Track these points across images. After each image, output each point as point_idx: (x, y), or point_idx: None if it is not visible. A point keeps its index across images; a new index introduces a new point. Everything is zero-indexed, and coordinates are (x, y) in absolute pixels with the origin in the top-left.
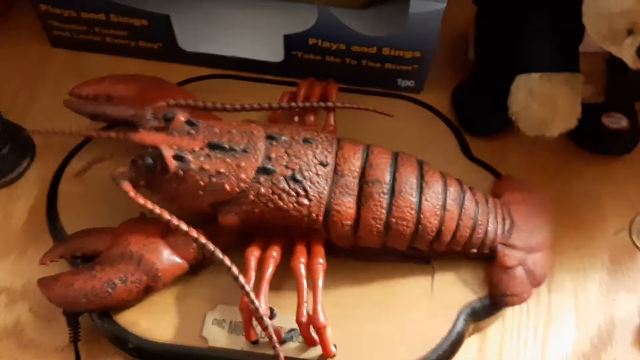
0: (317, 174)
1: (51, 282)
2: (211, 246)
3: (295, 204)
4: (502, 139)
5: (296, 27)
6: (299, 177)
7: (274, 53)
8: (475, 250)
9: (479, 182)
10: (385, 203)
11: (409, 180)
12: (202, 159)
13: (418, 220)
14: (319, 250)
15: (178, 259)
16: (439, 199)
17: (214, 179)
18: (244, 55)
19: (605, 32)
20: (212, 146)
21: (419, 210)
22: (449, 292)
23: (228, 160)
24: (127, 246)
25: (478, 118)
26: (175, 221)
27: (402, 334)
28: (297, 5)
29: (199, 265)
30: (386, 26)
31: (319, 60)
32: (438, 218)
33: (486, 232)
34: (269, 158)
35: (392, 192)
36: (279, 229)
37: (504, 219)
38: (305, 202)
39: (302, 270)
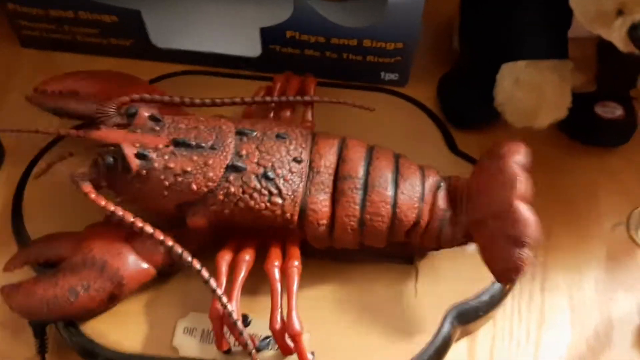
0: (291, 171)
1: (13, 290)
2: (179, 249)
3: (268, 204)
4: (490, 132)
5: (273, 20)
6: (271, 174)
7: (250, 47)
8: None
9: (465, 177)
10: (358, 199)
11: (384, 174)
12: (166, 157)
13: (394, 215)
14: (295, 252)
15: (144, 264)
16: (416, 191)
17: (179, 178)
18: (220, 50)
19: (593, 14)
20: (178, 143)
21: (395, 204)
22: (434, 293)
23: (195, 157)
24: (90, 252)
25: (464, 110)
26: (139, 223)
27: (384, 339)
28: None
29: (168, 270)
30: (367, 17)
31: (297, 54)
32: (416, 211)
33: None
34: (239, 155)
35: (366, 188)
36: (252, 230)
37: (461, 200)
38: (279, 201)
39: (276, 274)
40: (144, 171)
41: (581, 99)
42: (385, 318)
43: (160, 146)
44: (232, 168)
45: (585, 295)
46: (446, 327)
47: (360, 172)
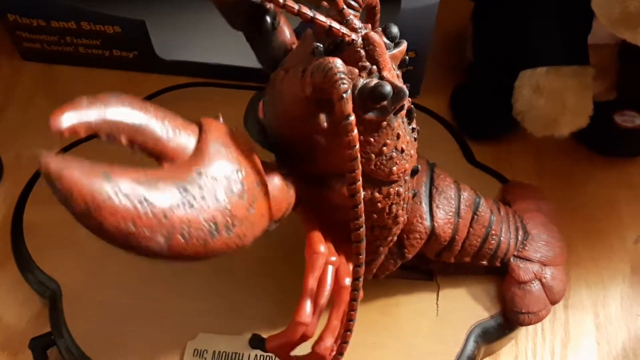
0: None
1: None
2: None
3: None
4: (505, 142)
5: None
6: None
7: None
8: (485, 263)
9: (484, 189)
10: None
11: (417, 188)
12: (399, 121)
13: (432, 230)
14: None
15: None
16: (452, 205)
17: (393, 153)
18: (227, 61)
19: (617, 15)
20: (409, 114)
21: (431, 219)
22: (457, 310)
23: (408, 139)
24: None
25: (479, 121)
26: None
27: (407, 359)
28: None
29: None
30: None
31: None
32: (451, 226)
33: (499, 243)
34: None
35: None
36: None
37: (517, 229)
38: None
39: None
40: (385, 123)
41: (599, 107)
42: (406, 337)
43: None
44: (414, 171)
45: (611, 312)
46: (470, 346)
47: None
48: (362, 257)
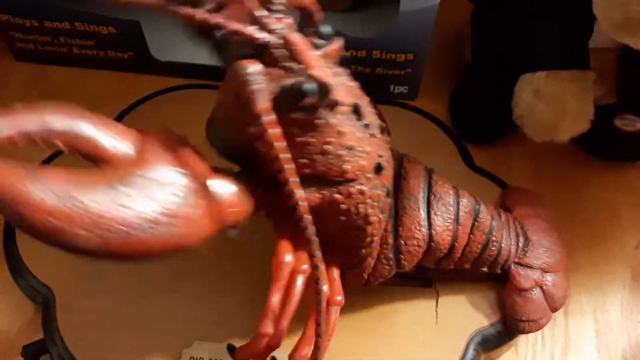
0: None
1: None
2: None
3: (377, 223)
4: (504, 146)
5: None
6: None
7: None
8: (485, 269)
9: (483, 194)
10: (389, 226)
11: (414, 194)
12: (340, 117)
13: (430, 238)
14: (338, 281)
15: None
16: (451, 212)
17: (341, 151)
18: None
19: (619, 21)
20: (356, 110)
21: (429, 226)
22: (456, 318)
23: (359, 135)
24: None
25: (478, 124)
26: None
27: None
28: None
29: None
30: (376, 28)
31: None
32: (450, 234)
33: (499, 249)
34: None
35: (397, 209)
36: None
37: (517, 235)
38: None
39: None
40: (323, 121)
41: (599, 111)
42: (405, 347)
43: (344, 101)
44: (377, 168)
45: (611, 318)
46: (470, 354)
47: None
48: (317, 258)
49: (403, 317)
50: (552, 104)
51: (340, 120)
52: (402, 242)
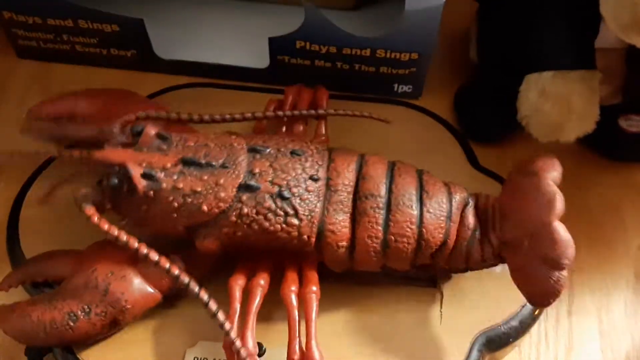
0: (308, 190)
1: (8, 312)
2: (186, 278)
3: (284, 225)
4: (509, 145)
5: (282, 30)
6: (286, 194)
7: (258, 58)
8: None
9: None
10: (381, 219)
11: (408, 192)
12: (175, 177)
13: (420, 235)
14: (312, 276)
15: (150, 289)
16: (443, 210)
17: (189, 199)
18: (226, 61)
19: (627, 20)
20: (186, 162)
21: (420, 224)
22: (460, 318)
23: (205, 177)
24: (93, 273)
25: (483, 124)
26: (144, 250)
27: None
28: (282, 7)
29: (175, 295)
30: (380, 27)
31: (307, 65)
32: (443, 231)
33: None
34: (252, 173)
35: (389, 206)
36: (266, 253)
37: (494, 219)
38: (295, 222)
39: (294, 300)
40: (151, 192)
41: (604, 111)
42: (408, 347)
43: (168, 165)
44: (244, 187)
45: (615, 318)
46: (474, 355)
47: (383, 190)
48: (175, 271)
49: (407, 317)
50: (558, 104)
51: (172, 179)
52: (392, 238)
